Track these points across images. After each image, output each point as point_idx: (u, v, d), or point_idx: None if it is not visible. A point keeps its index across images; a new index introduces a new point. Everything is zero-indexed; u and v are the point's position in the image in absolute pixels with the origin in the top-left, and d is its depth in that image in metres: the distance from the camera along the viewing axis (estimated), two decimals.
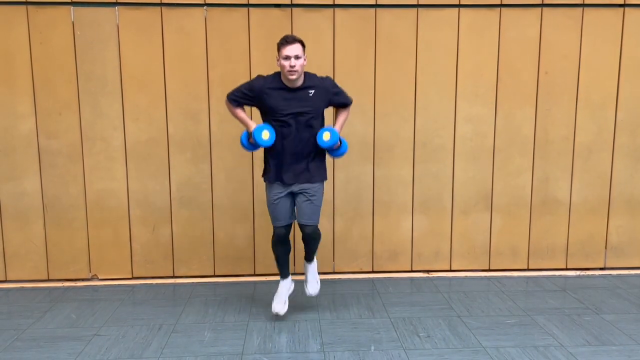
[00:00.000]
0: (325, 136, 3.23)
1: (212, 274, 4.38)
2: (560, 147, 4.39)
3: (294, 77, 3.12)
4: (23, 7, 4.01)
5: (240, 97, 3.32)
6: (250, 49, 4.16)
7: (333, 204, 4.34)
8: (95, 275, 4.34)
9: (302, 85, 3.22)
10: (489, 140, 4.37)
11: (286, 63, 3.09)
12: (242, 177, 4.27)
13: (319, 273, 3.67)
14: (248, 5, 4.12)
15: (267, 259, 4.33)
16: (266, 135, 3.19)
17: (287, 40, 3.10)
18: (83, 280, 4.32)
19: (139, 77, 4.14)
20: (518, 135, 4.37)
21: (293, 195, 3.35)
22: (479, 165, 4.39)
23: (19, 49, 4.05)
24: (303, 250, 3.58)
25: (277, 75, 3.27)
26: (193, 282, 4.29)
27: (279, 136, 3.23)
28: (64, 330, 3.42)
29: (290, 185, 3.30)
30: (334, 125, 3.39)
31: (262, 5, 4.12)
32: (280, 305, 3.46)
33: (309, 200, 3.32)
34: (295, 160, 3.26)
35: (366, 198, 4.37)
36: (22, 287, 4.21)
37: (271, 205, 3.36)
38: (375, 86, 4.25)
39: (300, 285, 3.72)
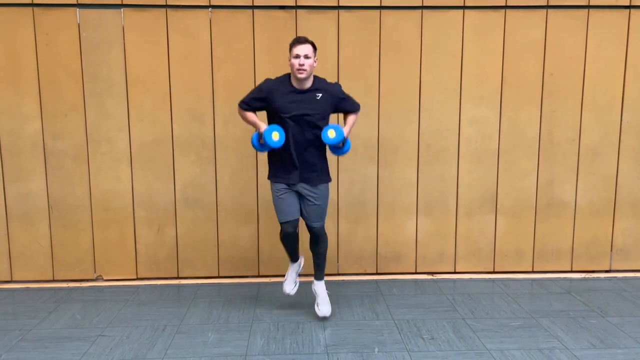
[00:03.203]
0: (331, 133, 3.25)
1: (217, 275, 4.39)
2: (566, 149, 4.37)
3: (302, 75, 3.16)
4: (29, 8, 4.03)
5: (251, 102, 3.36)
6: (255, 51, 4.16)
7: (337, 206, 4.34)
8: (100, 275, 4.35)
9: (310, 87, 3.26)
10: (493, 142, 4.36)
11: (296, 61, 3.15)
12: (247, 179, 4.27)
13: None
14: (253, 7, 4.12)
15: (272, 260, 4.33)
16: (276, 136, 3.22)
17: (299, 40, 3.19)
18: (88, 280, 4.33)
19: (144, 78, 4.15)
20: (523, 137, 4.35)
21: (299, 194, 3.39)
22: (483, 167, 4.38)
23: (25, 50, 4.07)
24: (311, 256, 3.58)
25: (286, 77, 3.31)
26: (197, 283, 4.29)
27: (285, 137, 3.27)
28: (69, 330, 3.43)
29: (295, 185, 3.33)
30: (343, 125, 3.41)
31: (266, 7, 4.13)
32: (290, 286, 3.60)
33: (315, 204, 3.39)
34: (299, 161, 3.30)
35: (370, 199, 4.37)
36: (28, 287, 4.23)
37: (277, 200, 3.39)
38: (379, 87, 4.25)
39: (305, 287, 3.73)
